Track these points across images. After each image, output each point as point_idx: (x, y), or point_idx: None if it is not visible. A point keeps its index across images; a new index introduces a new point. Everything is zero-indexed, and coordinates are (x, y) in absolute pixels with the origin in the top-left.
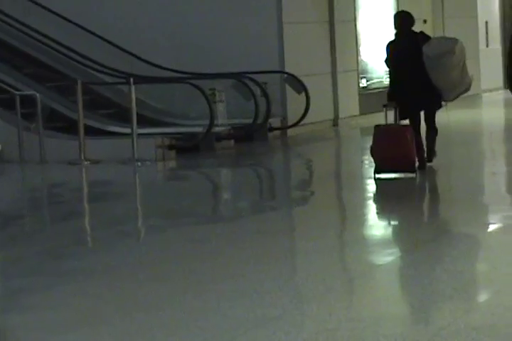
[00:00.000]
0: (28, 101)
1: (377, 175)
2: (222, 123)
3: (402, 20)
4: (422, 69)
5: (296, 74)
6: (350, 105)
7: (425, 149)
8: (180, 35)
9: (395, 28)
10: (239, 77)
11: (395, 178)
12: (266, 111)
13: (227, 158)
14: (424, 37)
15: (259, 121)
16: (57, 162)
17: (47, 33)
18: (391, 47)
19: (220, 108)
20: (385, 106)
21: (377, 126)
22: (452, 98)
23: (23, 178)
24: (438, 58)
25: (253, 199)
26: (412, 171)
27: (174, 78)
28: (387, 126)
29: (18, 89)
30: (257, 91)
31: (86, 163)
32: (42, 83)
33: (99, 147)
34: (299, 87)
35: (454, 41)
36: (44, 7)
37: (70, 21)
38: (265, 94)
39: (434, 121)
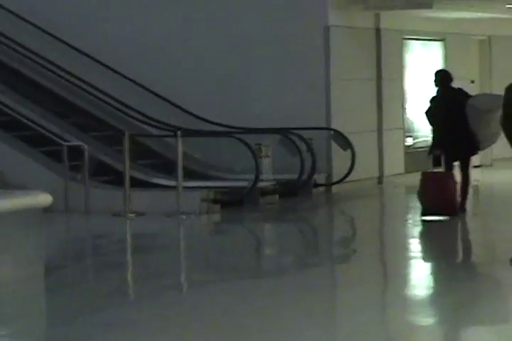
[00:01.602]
0: (75, 152)
1: (423, 218)
2: (268, 178)
3: (442, 77)
4: (462, 120)
5: (342, 131)
6: (395, 163)
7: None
8: (229, 90)
9: (436, 85)
10: (285, 132)
11: (439, 220)
12: (311, 167)
13: (271, 212)
14: (462, 92)
15: (304, 177)
16: (101, 213)
17: (95, 83)
18: (434, 101)
19: (266, 163)
20: (430, 153)
21: (424, 173)
22: (487, 147)
23: (68, 228)
24: (488, 112)
25: (296, 255)
26: (454, 214)
27: (221, 132)
28: (433, 172)
29: (65, 140)
30: (303, 147)
31: (130, 214)
32: (89, 134)
33: (144, 199)
34: (345, 143)
35: (501, 97)
36: (92, 58)
37: (116, 72)
38: (311, 150)
39: (468, 168)
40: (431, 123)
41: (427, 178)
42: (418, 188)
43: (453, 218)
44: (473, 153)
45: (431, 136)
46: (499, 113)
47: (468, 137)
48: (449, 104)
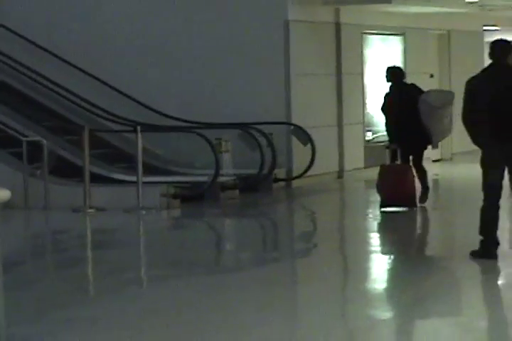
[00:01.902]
0: (34, 148)
1: (382, 209)
2: (228, 173)
3: (393, 74)
4: (414, 115)
5: (302, 125)
6: (355, 158)
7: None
8: (188, 85)
9: (388, 81)
10: (245, 127)
11: (398, 212)
12: (271, 161)
13: (231, 208)
14: (415, 88)
15: (265, 171)
16: (61, 209)
17: (55, 79)
18: (387, 97)
19: (226, 158)
20: (387, 147)
21: (382, 165)
22: (438, 141)
23: (27, 225)
24: (440, 107)
25: (256, 250)
26: (414, 206)
27: (181, 127)
28: (391, 165)
29: (25, 136)
30: (263, 142)
31: (90, 210)
32: (49, 129)
33: (104, 194)
34: (305, 138)
35: (452, 93)
36: (50, 52)
37: (76, 68)
38: (271, 145)
39: (421, 162)
40: (386, 118)
41: (385, 171)
42: (376, 181)
43: (412, 210)
44: (425, 148)
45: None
46: (451, 109)
47: (421, 132)
48: (401, 100)
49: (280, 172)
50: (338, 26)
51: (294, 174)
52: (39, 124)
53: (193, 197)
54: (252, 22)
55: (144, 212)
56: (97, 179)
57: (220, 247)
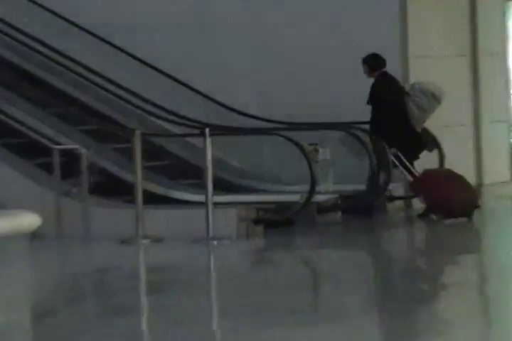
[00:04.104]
0: (70, 159)
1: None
2: (327, 189)
3: (382, 60)
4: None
5: (425, 125)
6: (497, 167)
7: None
8: (270, 73)
9: (379, 68)
10: (349, 128)
11: None
12: (385, 174)
13: (331, 236)
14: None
15: (376, 187)
16: (106, 239)
17: (95, 67)
18: (382, 89)
19: (324, 169)
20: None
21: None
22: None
23: (61, 260)
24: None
25: (366, 293)
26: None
27: (263, 129)
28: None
29: (57, 143)
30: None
31: (144, 241)
32: (88, 134)
33: (163, 220)
34: (430, 141)
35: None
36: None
37: (124, 51)
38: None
39: None
40: (385, 115)
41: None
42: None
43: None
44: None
45: None
46: None
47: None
48: (394, 93)
49: (397, 189)
50: None
51: None
52: (75, 128)
53: (281, 222)
54: None
55: (215, 243)
56: (153, 199)
57: (319, 289)
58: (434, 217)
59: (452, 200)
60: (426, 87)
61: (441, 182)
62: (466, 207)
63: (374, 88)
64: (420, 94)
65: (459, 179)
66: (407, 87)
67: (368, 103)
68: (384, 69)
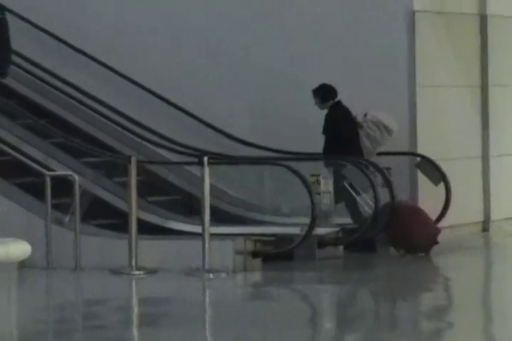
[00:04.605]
0: (61, 185)
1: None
2: (328, 222)
3: (334, 91)
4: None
5: (432, 157)
6: (507, 203)
7: None
8: (271, 100)
9: (327, 99)
10: (352, 160)
11: None
12: (388, 207)
13: (331, 271)
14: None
15: (380, 220)
16: (97, 270)
17: (88, 89)
18: (339, 118)
19: (326, 201)
20: None
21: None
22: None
23: (51, 291)
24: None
25: (366, 331)
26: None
27: (263, 158)
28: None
29: (49, 168)
30: (378, 180)
31: (138, 272)
32: (80, 159)
33: (157, 251)
34: (437, 175)
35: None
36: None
37: (119, 74)
38: (388, 184)
39: None
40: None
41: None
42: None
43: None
44: None
45: None
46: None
47: None
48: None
49: None
50: (483, 19)
51: None
52: (68, 153)
53: (280, 255)
54: (369, 15)
55: (211, 276)
56: (147, 229)
57: (317, 326)
58: (399, 251)
59: (413, 234)
60: (378, 119)
61: (403, 216)
62: (427, 241)
63: (329, 118)
64: (373, 126)
65: (420, 213)
66: (359, 118)
67: (322, 133)
68: (337, 99)
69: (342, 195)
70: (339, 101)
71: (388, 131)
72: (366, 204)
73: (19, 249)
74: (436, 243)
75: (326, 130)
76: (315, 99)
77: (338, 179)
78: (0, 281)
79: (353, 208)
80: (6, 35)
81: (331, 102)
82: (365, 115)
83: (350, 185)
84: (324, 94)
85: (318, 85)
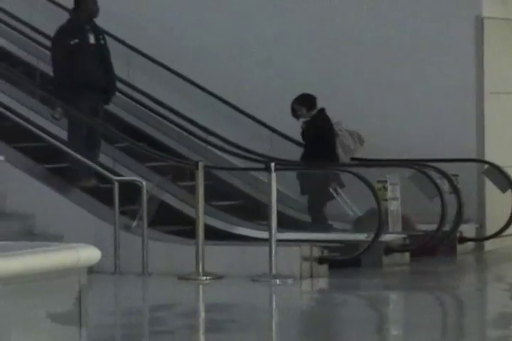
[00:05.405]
0: (129, 191)
1: None
2: (395, 229)
3: (315, 98)
4: None
5: (500, 164)
6: None
7: None
8: (337, 105)
9: (314, 107)
10: (420, 165)
11: None
12: (456, 214)
13: (398, 277)
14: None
15: (447, 228)
16: (164, 275)
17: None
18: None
19: (393, 208)
20: None
21: None
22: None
23: (118, 297)
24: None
25: (434, 339)
26: None
27: (330, 165)
28: None
29: (117, 173)
30: (445, 187)
31: (204, 278)
32: (148, 166)
33: (223, 256)
34: (505, 182)
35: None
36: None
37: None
38: (456, 191)
39: None
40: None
41: None
42: None
43: None
44: None
45: None
46: None
47: None
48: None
49: (468, 230)
50: None
51: (488, 232)
52: (135, 158)
53: (347, 261)
54: (435, 20)
55: (277, 282)
56: (214, 235)
57: (384, 332)
58: None
59: None
60: (352, 129)
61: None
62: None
63: (314, 125)
64: (348, 136)
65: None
66: (336, 127)
67: (303, 140)
68: (320, 107)
69: (316, 192)
70: (323, 109)
71: (360, 140)
72: (349, 207)
73: (89, 254)
74: None
75: (308, 137)
76: (299, 109)
77: (325, 180)
78: (71, 286)
79: (317, 211)
80: (108, 59)
81: (314, 111)
82: (340, 124)
83: (335, 190)
84: (310, 103)
85: (299, 95)
